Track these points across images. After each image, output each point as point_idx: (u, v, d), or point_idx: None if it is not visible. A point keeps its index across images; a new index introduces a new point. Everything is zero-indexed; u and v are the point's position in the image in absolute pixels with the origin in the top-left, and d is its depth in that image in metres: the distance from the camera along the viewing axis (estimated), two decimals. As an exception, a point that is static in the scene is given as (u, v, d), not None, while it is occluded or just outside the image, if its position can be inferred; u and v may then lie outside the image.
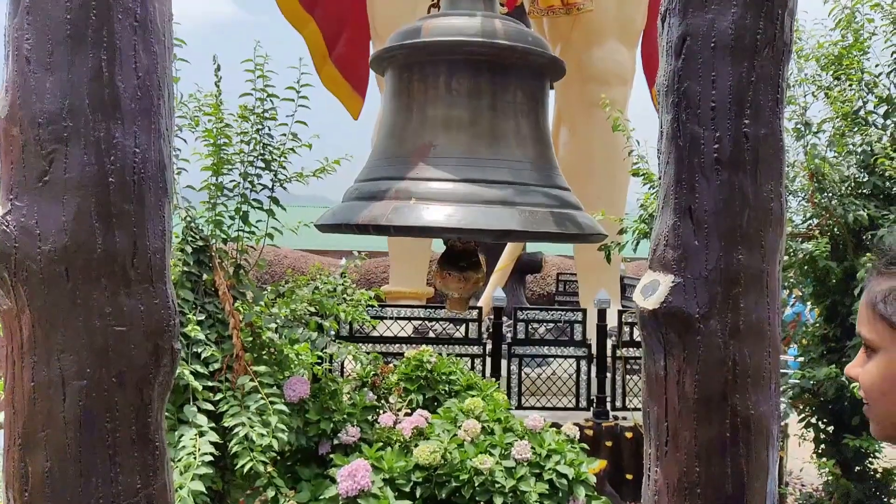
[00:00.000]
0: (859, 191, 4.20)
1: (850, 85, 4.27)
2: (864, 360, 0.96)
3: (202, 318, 3.14)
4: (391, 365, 4.00)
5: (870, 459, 4.45)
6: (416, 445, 3.24)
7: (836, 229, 4.23)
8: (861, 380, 0.94)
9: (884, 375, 0.89)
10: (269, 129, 3.42)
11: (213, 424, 2.93)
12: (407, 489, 3.11)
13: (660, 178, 1.63)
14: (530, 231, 1.41)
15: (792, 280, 4.55)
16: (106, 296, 1.28)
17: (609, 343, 5.26)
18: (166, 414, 1.82)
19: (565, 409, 5.22)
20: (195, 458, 2.75)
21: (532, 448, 3.29)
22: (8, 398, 1.31)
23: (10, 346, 1.30)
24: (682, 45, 1.51)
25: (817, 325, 4.64)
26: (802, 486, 6.10)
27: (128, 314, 1.30)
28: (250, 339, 3.26)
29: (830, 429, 4.48)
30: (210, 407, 2.98)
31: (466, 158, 1.47)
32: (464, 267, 1.67)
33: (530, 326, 5.41)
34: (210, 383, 3.04)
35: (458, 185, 1.42)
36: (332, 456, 3.25)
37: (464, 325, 5.21)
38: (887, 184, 4.12)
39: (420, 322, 5.46)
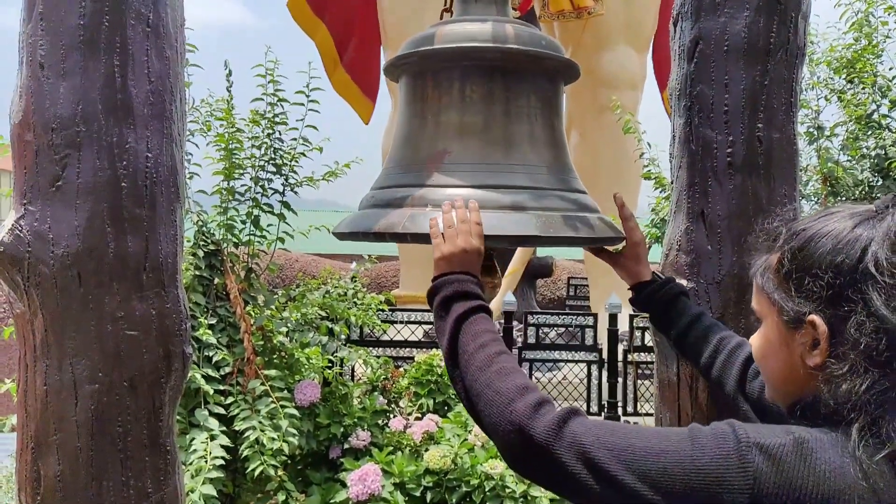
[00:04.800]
0: (873, 194, 4.16)
1: (864, 88, 4.24)
2: None
3: (213, 321, 3.15)
4: (401, 369, 3.99)
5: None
6: (427, 450, 3.23)
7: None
8: (752, 347, 1.01)
9: (765, 340, 0.96)
10: (280, 134, 3.43)
11: (224, 428, 2.94)
12: (417, 494, 3.11)
13: (672, 182, 1.62)
14: (548, 236, 1.39)
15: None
16: (118, 300, 1.28)
17: (620, 348, 5.23)
18: (177, 418, 1.82)
19: (576, 413, 5.19)
20: (206, 461, 2.76)
21: (543, 453, 3.27)
22: (20, 401, 1.32)
23: (23, 350, 1.31)
24: (695, 48, 1.50)
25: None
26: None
27: (140, 318, 1.30)
28: (261, 342, 3.27)
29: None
30: (221, 410, 2.99)
31: (482, 164, 1.46)
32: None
33: (541, 331, 5.39)
34: (221, 387, 3.05)
35: (474, 192, 1.41)
36: (342, 460, 3.24)
37: (474, 330, 5.19)
38: (901, 187, 4.08)
39: (430, 326, 5.45)
